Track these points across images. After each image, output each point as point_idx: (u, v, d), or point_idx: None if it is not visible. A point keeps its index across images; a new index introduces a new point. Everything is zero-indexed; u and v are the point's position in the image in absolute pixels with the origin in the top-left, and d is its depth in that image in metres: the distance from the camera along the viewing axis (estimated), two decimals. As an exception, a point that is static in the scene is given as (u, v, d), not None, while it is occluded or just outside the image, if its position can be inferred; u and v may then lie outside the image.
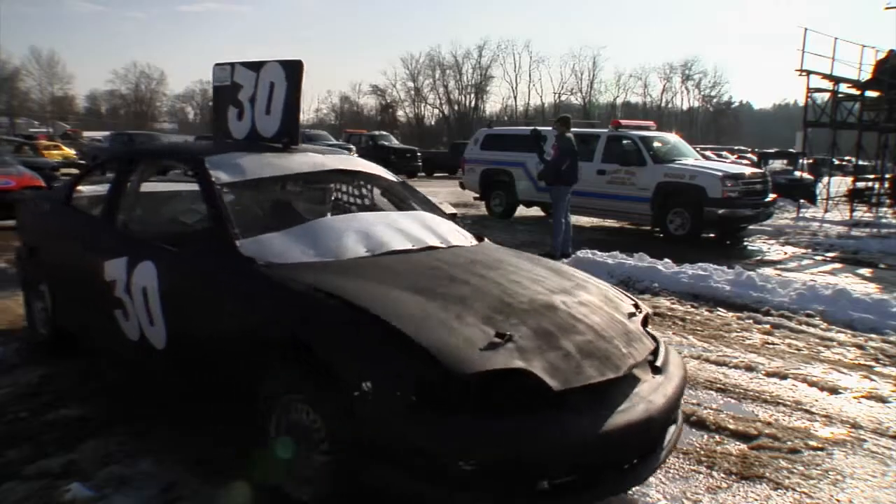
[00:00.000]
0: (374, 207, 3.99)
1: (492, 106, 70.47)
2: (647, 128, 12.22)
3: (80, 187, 4.28)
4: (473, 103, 67.88)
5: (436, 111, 69.48)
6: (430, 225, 3.46)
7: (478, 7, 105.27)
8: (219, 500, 2.56)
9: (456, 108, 68.05)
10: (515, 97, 71.53)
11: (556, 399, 2.16)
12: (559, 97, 67.89)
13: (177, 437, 3.07)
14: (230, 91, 3.77)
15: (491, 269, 2.95)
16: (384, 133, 31.69)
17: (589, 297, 2.85)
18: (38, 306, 4.26)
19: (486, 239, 3.64)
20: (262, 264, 2.72)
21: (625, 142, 11.13)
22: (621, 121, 12.72)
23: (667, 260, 7.39)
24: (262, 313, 2.62)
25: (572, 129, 9.11)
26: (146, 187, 4.05)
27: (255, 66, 3.63)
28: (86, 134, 42.13)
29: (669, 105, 71.71)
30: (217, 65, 3.90)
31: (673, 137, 12.39)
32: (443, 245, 3.27)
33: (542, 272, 3.08)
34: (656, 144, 11.22)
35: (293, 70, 3.49)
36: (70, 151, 24.70)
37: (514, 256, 3.38)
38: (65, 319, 4.02)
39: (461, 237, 3.50)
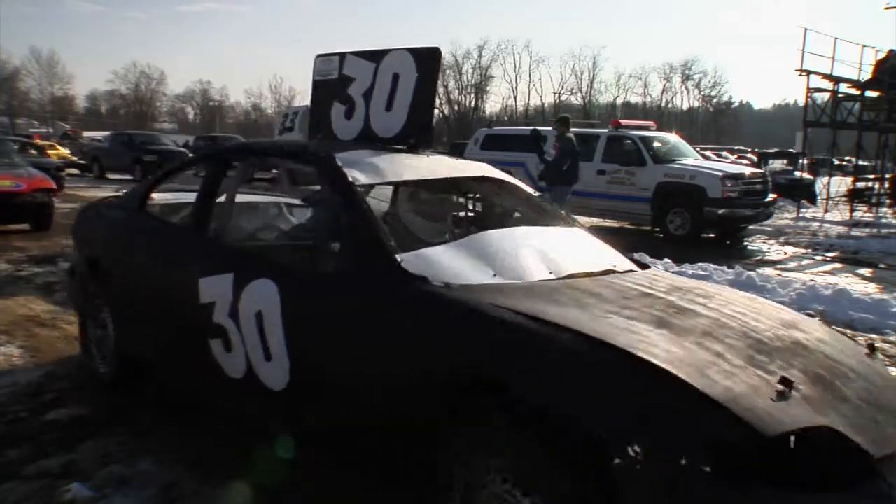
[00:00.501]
0: (508, 222, 3.25)
1: (492, 106, 70.70)
2: (647, 128, 12.24)
3: (154, 194, 3.70)
4: (473, 103, 68.04)
5: (436, 111, 69.49)
6: (595, 245, 2.99)
7: (478, 7, 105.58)
8: (219, 500, 2.56)
9: (456, 108, 68.10)
10: (515, 97, 71.57)
11: (871, 468, 1.66)
12: (559, 97, 68.05)
13: (177, 437, 3.06)
14: (336, 85, 3.29)
15: (704, 298, 2.38)
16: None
17: (817, 332, 2.32)
18: (98, 332, 3.63)
19: (650, 264, 3.04)
20: (439, 285, 2.16)
21: (625, 142, 11.14)
22: (621, 121, 12.76)
23: (667, 260, 7.40)
24: (449, 349, 2.01)
25: (572, 129, 9.13)
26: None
27: (375, 56, 3.16)
28: (86, 134, 42.22)
29: (669, 105, 71.82)
30: (320, 56, 3.42)
31: (673, 137, 12.40)
32: (618, 269, 2.72)
33: (745, 301, 2.53)
34: (656, 144, 11.23)
35: (427, 59, 3.01)
36: (65, 151, 24.67)
37: (702, 283, 2.83)
38: (133, 347, 3.42)
39: (627, 261, 2.91)
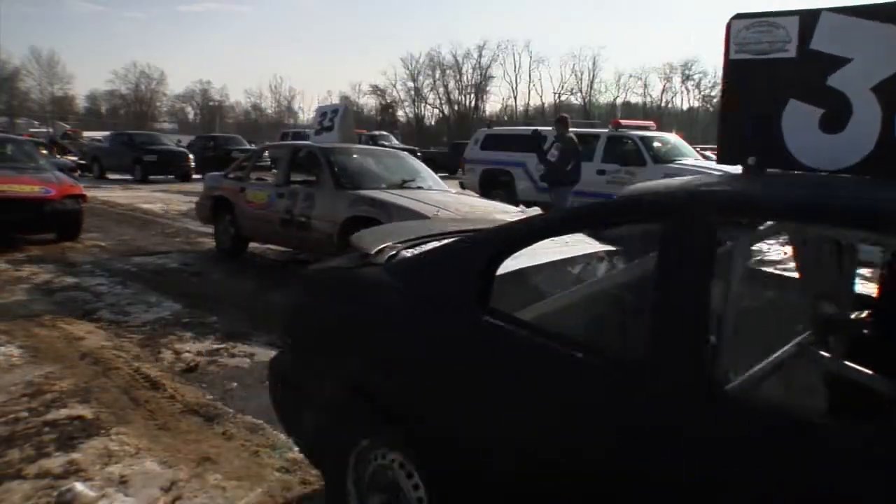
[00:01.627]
0: None
1: (492, 106, 70.58)
2: (647, 128, 12.25)
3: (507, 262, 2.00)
4: (473, 103, 67.93)
5: (436, 111, 69.52)
6: None
7: (478, 7, 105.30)
8: (219, 500, 2.56)
9: (456, 108, 68.08)
10: (515, 97, 71.52)
11: None
12: (559, 97, 67.94)
13: (177, 437, 3.07)
14: (795, 70, 1.94)
15: None
16: (384, 133, 31.69)
17: None
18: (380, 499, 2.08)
19: None
20: None
21: (625, 142, 11.15)
22: (621, 121, 12.75)
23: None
24: None
25: (571, 129, 9.13)
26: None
27: None
28: (86, 134, 42.16)
29: (669, 105, 71.74)
30: (742, 16, 2.03)
31: (673, 137, 12.40)
32: None
33: None
34: (656, 144, 11.23)
35: None
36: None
37: None
38: None
39: None
